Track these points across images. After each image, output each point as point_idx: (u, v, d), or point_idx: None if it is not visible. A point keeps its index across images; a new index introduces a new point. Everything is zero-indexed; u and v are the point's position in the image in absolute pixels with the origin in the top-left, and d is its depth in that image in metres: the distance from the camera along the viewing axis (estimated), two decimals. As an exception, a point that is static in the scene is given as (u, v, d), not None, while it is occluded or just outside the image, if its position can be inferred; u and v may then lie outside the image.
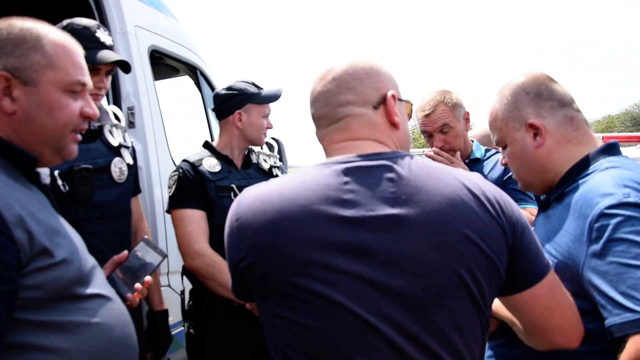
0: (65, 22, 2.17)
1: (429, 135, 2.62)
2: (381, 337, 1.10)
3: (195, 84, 4.10)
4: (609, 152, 1.51)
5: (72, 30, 2.07)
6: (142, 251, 1.70)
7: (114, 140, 2.25)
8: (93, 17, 2.98)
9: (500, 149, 1.70)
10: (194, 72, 4.03)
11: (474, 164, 2.66)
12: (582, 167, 1.50)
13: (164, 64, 3.80)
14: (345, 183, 1.17)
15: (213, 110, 2.73)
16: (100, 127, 2.23)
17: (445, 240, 1.14)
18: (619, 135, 9.54)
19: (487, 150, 2.74)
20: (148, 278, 1.67)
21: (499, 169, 2.59)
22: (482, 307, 1.17)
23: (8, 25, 1.29)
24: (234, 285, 1.32)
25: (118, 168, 2.21)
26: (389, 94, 1.29)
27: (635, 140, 8.20)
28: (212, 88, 4.08)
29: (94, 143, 2.18)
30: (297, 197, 1.16)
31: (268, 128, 2.65)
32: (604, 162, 1.47)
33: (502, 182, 2.54)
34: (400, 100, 1.33)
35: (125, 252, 1.69)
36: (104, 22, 2.98)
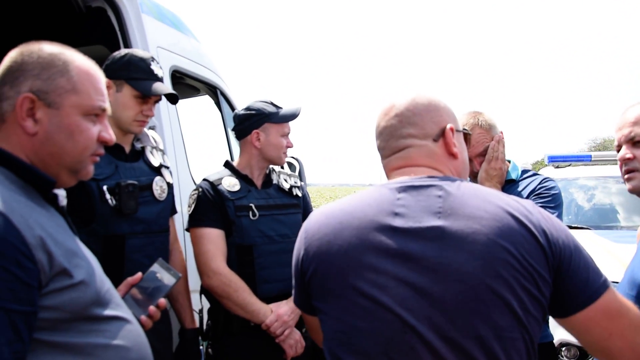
0: (124, 51, 2.32)
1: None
2: (419, 338, 1.17)
3: (216, 103, 4.14)
4: None
5: (129, 61, 2.26)
6: (157, 272, 1.71)
7: (155, 160, 2.39)
8: (116, 38, 3.05)
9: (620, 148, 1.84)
10: (214, 91, 4.07)
11: (509, 185, 2.57)
12: None
13: (185, 84, 3.85)
14: (398, 199, 1.30)
15: (233, 130, 2.76)
16: (143, 148, 2.38)
17: (484, 251, 1.19)
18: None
19: (524, 172, 2.67)
20: (162, 300, 1.68)
21: (531, 187, 2.53)
22: (523, 321, 1.19)
23: (38, 49, 1.33)
24: (297, 297, 1.46)
25: (159, 186, 2.35)
26: (448, 127, 1.40)
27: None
28: (232, 108, 4.12)
29: (137, 162, 2.32)
30: (355, 211, 1.32)
31: (288, 147, 2.65)
32: None
33: (528, 195, 2.48)
34: (458, 131, 1.45)
35: (140, 273, 1.71)
36: (126, 43, 3.04)
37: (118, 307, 1.36)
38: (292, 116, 2.64)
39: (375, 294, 1.22)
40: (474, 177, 2.54)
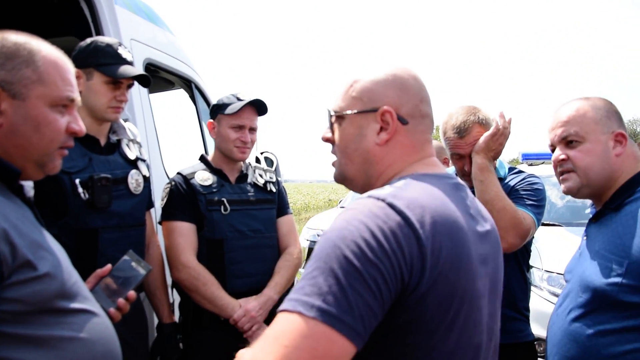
0: (89, 40, 2.29)
1: (459, 156, 2.43)
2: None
3: (190, 97, 4.12)
4: None
5: (96, 48, 2.23)
6: (126, 265, 1.70)
7: (131, 153, 2.37)
8: (89, 30, 3.01)
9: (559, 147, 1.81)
10: (189, 85, 4.05)
11: None
12: (636, 183, 1.72)
13: (159, 77, 3.82)
14: (463, 198, 1.25)
15: None
16: (118, 141, 2.35)
17: (500, 249, 1.34)
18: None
19: (510, 169, 2.59)
20: (132, 292, 1.67)
21: (512, 183, 2.45)
22: None
23: (2, 39, 1.30)
24: (370, 317, 1.18)
25: (134, 180, 2.33)
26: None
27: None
28: (207, 102, 4.10)
29: (112, 155, 2.29)
30: (454, 210, 1.16)
31: (242, 141, 2.56)
32: None
33: (509, 191, 2.40)
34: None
35: (109, 265, 1.69)
36: (99, 35, 3.00)
37: (85, 300, 1.35)
38: (237, 107, 2.53)
39: (482, 294, 1.18)
40: (464, 175, 2.43)
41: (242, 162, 2.69)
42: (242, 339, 2.44)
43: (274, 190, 2.72)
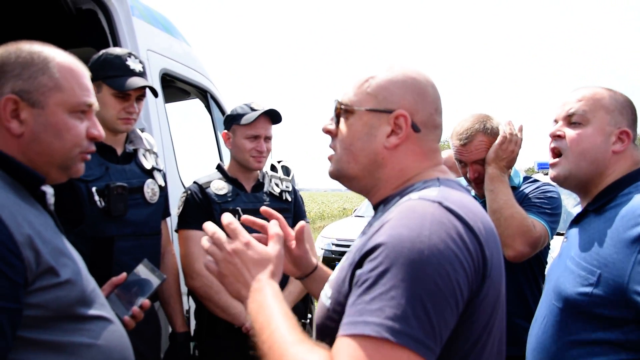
0: (101, 52, 2.31)
1: (462, 163, 2.45)
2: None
3: (206, 107, 4.15)
4: None
5: (105, 60, 2.25)
6: (141, 273, 1.72)
7: (147, 163, 2.39)
8: (107, 41, 3.05)
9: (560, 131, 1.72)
10: (204, 95, 4.08)
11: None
12: (621, 185, 1.61)
13: (175, 87, 3.86)
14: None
15: None
16: (135, 151, 2.38)
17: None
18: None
19: (526, 178, 2.57)
20: (146, 301, 1.68)
21: (526, 192, 2.42)
22: None
23: (16, 49, 1.31)
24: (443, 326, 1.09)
25: (150, 189, 2.35)
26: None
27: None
28: (222, 111, 4.13)
29: (129, 165, 2.32)
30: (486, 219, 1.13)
31: (258, 150, 2.57)
32: None
33: (522, 200, 2.38)
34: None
35: (124, 274, 1.71)
36: (116, 46, 3.04)
37: (102, 307, 1.36)
38: (252, 118, 2.55)
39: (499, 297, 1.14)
40: (469, 182, 2.47)
41: (258, 171, 2.70)
42: (255, 347, 2.44)
43: (289, 199, 2.72)
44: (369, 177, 1.23)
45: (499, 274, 1.10)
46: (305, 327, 2.69)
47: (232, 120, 2.61)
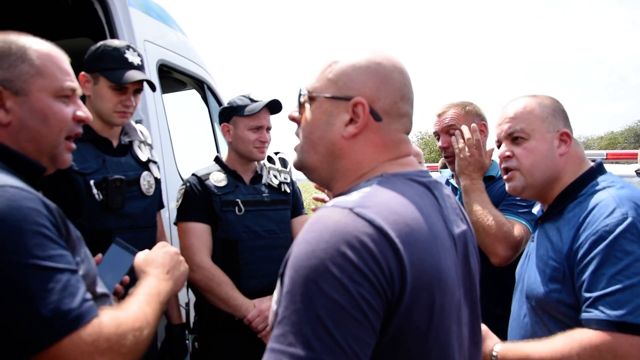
0: (99, 43, 2.28)
1: (438, 136, 2.60)
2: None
3: (202, 97, 4.13)
4: (600, 172, 1.72)
5: (103, 52, 2.22)
6: (115, 251, 1.73)
7: (143, 155, 2.37)
8: (103, 32, 3.03)
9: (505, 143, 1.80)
10: (201, 86, 4.06)
11: (489, 182, 2.53)
12: (582, 184, 1.69)
13: (171, 78, 3.84)
14: (437, 197, 1.14)
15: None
16: (130, 143, 2.36)
17: (476, 252, 1.25)
18: (622, 152, 9.43)
19: None
20: (126, 277, 1.70)
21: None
22: None
23: None
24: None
25: (147, 181, 2.34)
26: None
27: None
28: (219, 102, 4.11)
29: (124, 157, 2.30)
30: (428, 217, 1.06)
31: (261, 141, 2.58)
32: (600, 181, 1.68)
33: (503, 196, 2.41)
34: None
35: (100, 255, 1.71)
36: (113, 36, 3.02)
37: (103, 286, 1.38)
38: (256, 109, 2.55)
39: (461, 316, 1.10)
40: (447, 157, 2.57)
41: (256, 163, 2.69)
42: (257, 340, 2.46)
43: (288, 191, 2.73)
44: (328, 169, 1.16)
45: (440, 278, 1.00)
46: None
47: (232, 112, 2.60)
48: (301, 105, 1.19)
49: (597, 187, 1.65)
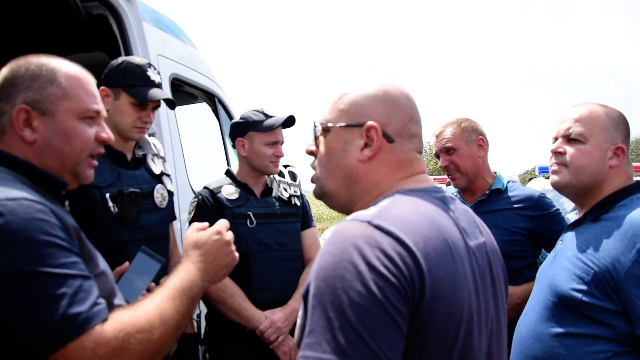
0: (121, 59, 2.33)
1: (438, 156, 2.67)
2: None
3: (213, 111, 4.18)
4: (639, 189, 1.79)
5: (126, 68, 2.28)
6: (142, 259, 1.76)
7: (156, 168, 2.41)
8: (117, 46, 3.08)
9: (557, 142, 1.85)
10: (212, 99, 4.11)
11: (496, 195, 2.62)
12: (624, 194, 1.76)
13: (182, 91, 3.89)
14: (452, 211, 1.18)
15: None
16: (144, 156, 2.40)
17: (501, 262, 1.29)
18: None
19: (510, 182, 2.71)
20: (152, 284, 1.73)
21: (524, 194, 2.59)
22: None
23: (25, 63, 1.39)
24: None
25: (160, 194, 2.37)
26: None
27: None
28: (230, 116, 4.15)
29: (139, 170, 2.34)
30: (446, 229, 1.11)
31: (277, 156, 2.64)
32: (636, 197, 1.74)
33: (537, 199, 2.56)
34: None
35: (127, 263, 1.75)
36: (127, 51, 3.07)
37: (121, 298, 1.42)
38: (274, 125, 2.60)
39: (482, 326, 1.12)
40: (449, 175, 2.66)
41: (266, 176, 2.73)
42: (268, 351, 2.48)
43: (298, 203, 2.76)
44: (347, 194, 1.22)
45: (457, 287, 1.04)
46: None
47: (248, 127, 2.63)
48: (316, 139, 1.27)
49: (638, 201, 1.71)
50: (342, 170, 1.21)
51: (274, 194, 2.71)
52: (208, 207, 2.55)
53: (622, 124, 1.83)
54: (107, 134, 1.47)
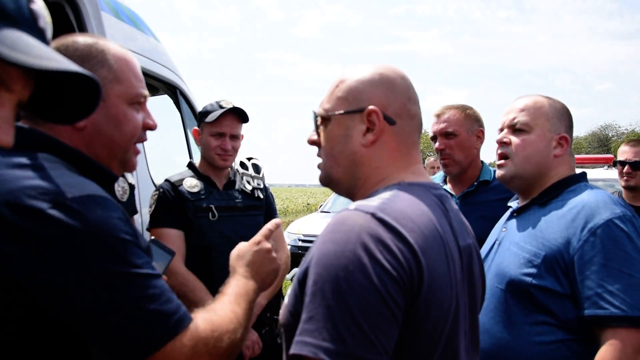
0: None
1: (435, 138, 2.60)
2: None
3: (175, 103, 4.11)
4: (584, 178, 1.85)
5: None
6: (154, 252, 1.74)
7: None
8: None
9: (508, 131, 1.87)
10: (173, 91, 4.05)
11: (484, 186, 2.61)
12: (570, 182, 1.79)
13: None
14: (446, 209, 1.21)
15: None
16: None
17: (481, 265, 1.32)
18: (586, 157, 9.69)
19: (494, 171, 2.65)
20: (164, 277, 1.70)
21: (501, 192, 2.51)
22: None
23: (73, 42, 1.28)
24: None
25: (121, 187, 2.33)
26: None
27: (602, 162, 8.36)
28: (192, 108, 4.10)
29: None
30: (436, 223, 1.13)
31: (222, 148, 2.60)
32: (583, 184, 1.79)
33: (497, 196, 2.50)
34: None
35: None
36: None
37: None
38: (215, 115, 2.57)
39: (461, 326, 1.15)
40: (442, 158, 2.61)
41: (229, 169, 2.70)
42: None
43: (261, 196, 2.74)
44: (351, 179, 1.24)
45: (448, 285, 1.08)
46: (277, 322, 2.71)
47: (201, 118, 2.63)
48: (317, 128, 1.28)
49: (585, 188, 1.75)
50: (346, 157, 1.22)
51: (237, 186, 2.69)
52: (169, 200, 2.52)
53: (565, 115, 1.86)
54: (153, 120, 1.40)
